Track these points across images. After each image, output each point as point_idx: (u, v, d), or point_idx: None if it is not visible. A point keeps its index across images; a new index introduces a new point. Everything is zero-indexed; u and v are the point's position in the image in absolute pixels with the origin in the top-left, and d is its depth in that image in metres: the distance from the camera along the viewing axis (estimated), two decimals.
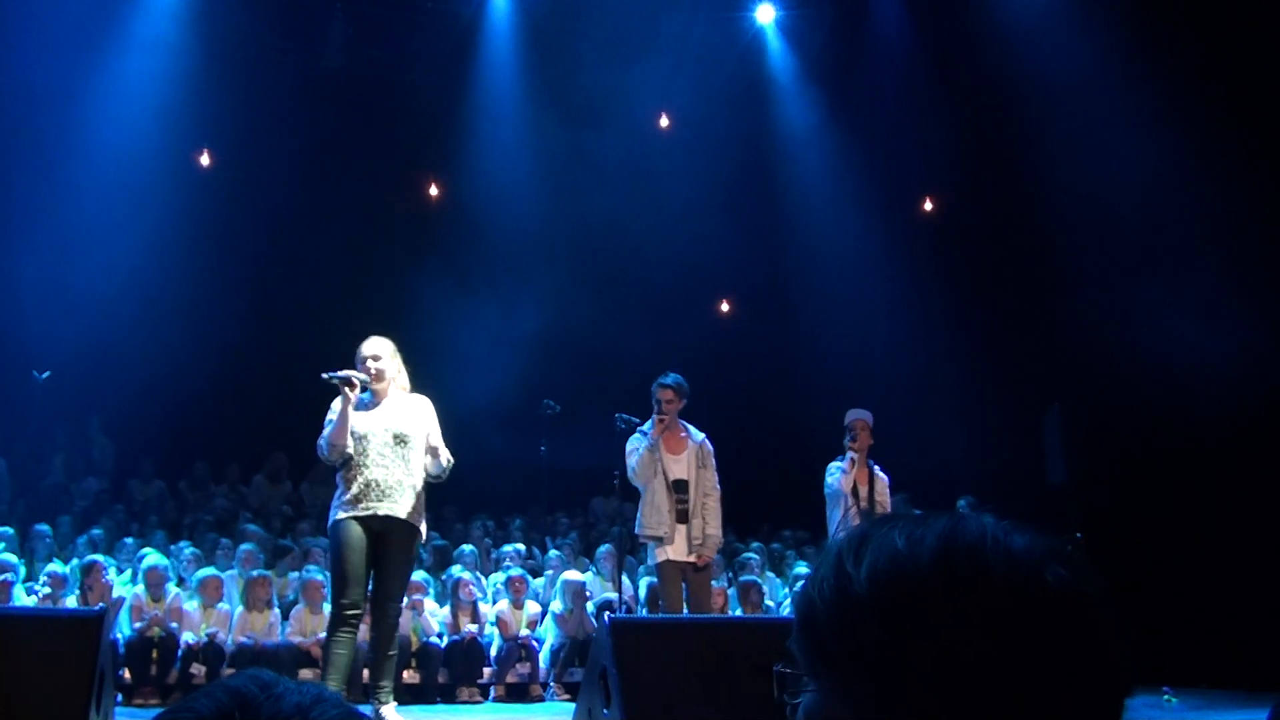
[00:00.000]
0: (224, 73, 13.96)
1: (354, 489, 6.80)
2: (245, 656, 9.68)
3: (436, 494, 7.98)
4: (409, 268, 14.76)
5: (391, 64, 14.87)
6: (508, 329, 14.10)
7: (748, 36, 15.49)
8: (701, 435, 8.62)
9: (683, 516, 8.31)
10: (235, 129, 14.44)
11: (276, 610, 10.22)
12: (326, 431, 6.89)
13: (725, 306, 17.52)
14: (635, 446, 8.47)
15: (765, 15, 15.26)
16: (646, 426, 8.52)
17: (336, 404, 6.97)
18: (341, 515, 6.79)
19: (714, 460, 8.56)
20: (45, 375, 12.04)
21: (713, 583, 9.34)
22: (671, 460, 8.41)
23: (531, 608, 10.87)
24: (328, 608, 10.05)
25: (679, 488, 8.35)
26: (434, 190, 16.45)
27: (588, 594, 10.85)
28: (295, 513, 13.49)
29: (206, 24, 13.90)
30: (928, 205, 16.05)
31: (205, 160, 15.01)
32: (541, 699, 10.32)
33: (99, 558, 9.97)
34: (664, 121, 15.83)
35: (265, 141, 14.30)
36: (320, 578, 10.12)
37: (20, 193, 13.47)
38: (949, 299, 15.10)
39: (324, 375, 6.93)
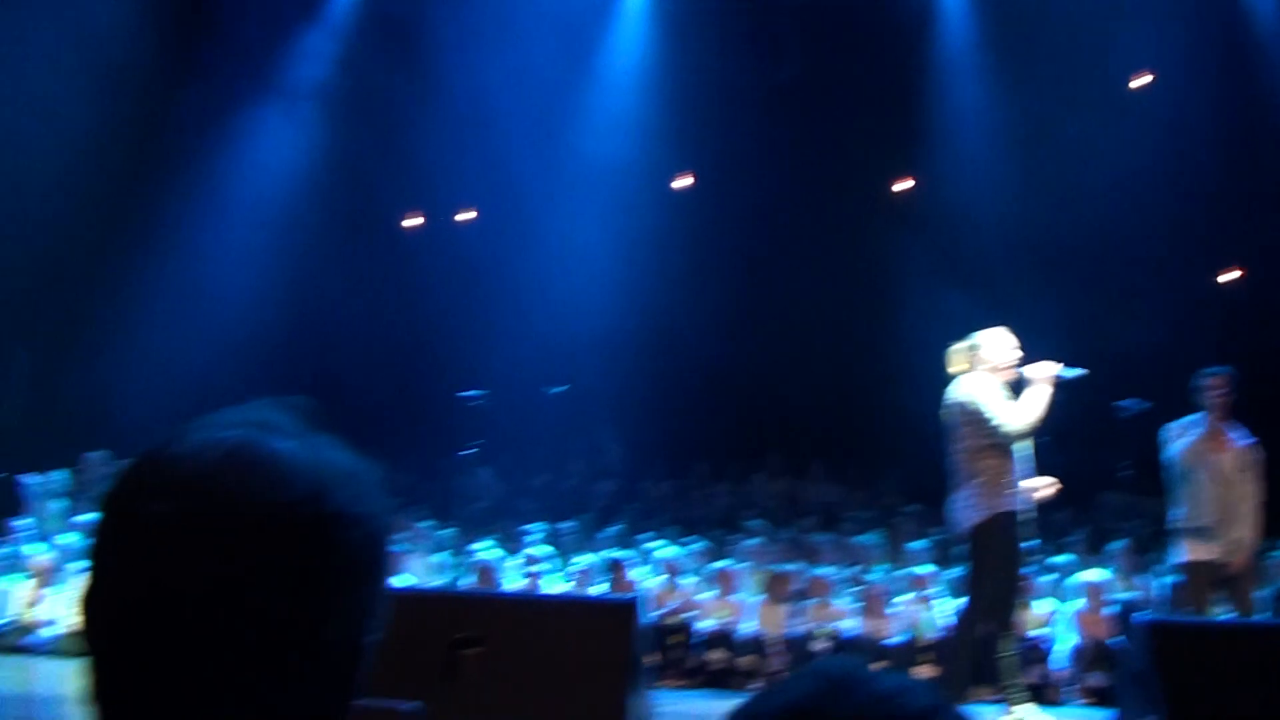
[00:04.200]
0: (689, 94, 14.48)
1: (1008, 477, 6.68)
2: (759, 646, 9.97)
3: None
4: (889, 270, 14.62)
5: (845, 66, 14.73)
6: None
7: None
8: (1251, 438, 7.97)
9: (1221, 516, 7.71)
10: (707, 149, 14.93)
11: (789, 604, 10.46)
12: (1030, 415, 6.75)
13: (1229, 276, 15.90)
14: (1178, 436, 7.96)
15: None
16: (1191, 419, 7.98)
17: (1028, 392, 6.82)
18: (1010, 508, 6.63)
19: (1260, 465, 7.90)
20: (560, 389, 12.93)
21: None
22: (1216, 456, 7.84)
23: (1041, 606, 10.42)
24: (836, 601, 10.23)
25: (1220, 484, 7.76)
26: (905, 186, 16.11)
27: (1104, 593, 10.26)
28: (792, 509, 13.77)
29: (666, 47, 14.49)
30: None
31: (685, 181, 15.64)
32: (1059, 702, 9.85)
33: (621, 552, 10.65)
34: (1140, 82, 14.60)
35: (735, 160, 14.69)
36: (822, 574, 10.35)
37: (526, 213, 14.64)
38: None
39: (1061, 373, 6.83)
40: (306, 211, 14.67)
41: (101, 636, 1.03)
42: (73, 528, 10.97)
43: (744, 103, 14.71)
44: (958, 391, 6.89)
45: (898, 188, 16.04)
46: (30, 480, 11.52)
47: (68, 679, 7.69)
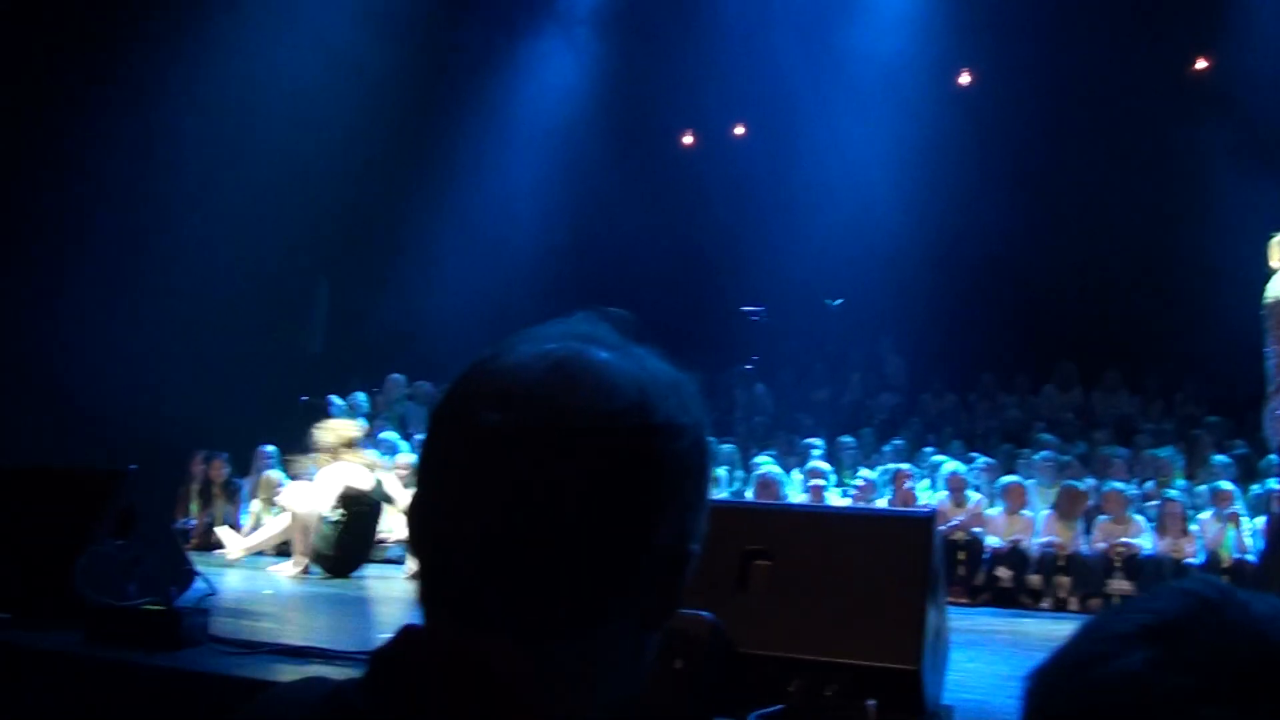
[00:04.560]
0: None
1: None
2: (1049, 564, 9.69)
3: None
4: (1190, 159, 13.68)
5: None
6: None
7: None
8: None
9: None
10: (988, 41, 14.29)
11: (1081, 519, 10.08)
12: None
13: None
14: None
15: None
16: None
17: None
18: None
19: None
20: (838, 302, 12.78)
21: None
22: None
23: None
24: (1136, 516, 9.80)
25: None
26: (1203, 66, 14.97)
27: None
28: (1084, 422, 13.21)
29: None
30: None
31: (965, 79, 15.05)
32: None
33: (903, 465, 10.50)
34: None
35: (1019, 51, 14.00)
36: (1116, 489, 9.93)
37: (800, 123, 14.45)
38: None
39: None
40: (587, 134, 14.96)
41: (432, 542, 1.06)
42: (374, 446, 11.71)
43: None
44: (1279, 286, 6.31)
45: (1196, 68, 14.94)
46: (335, 401, 12.30)
47: (371, 582, 8.21)
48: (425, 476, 1.08)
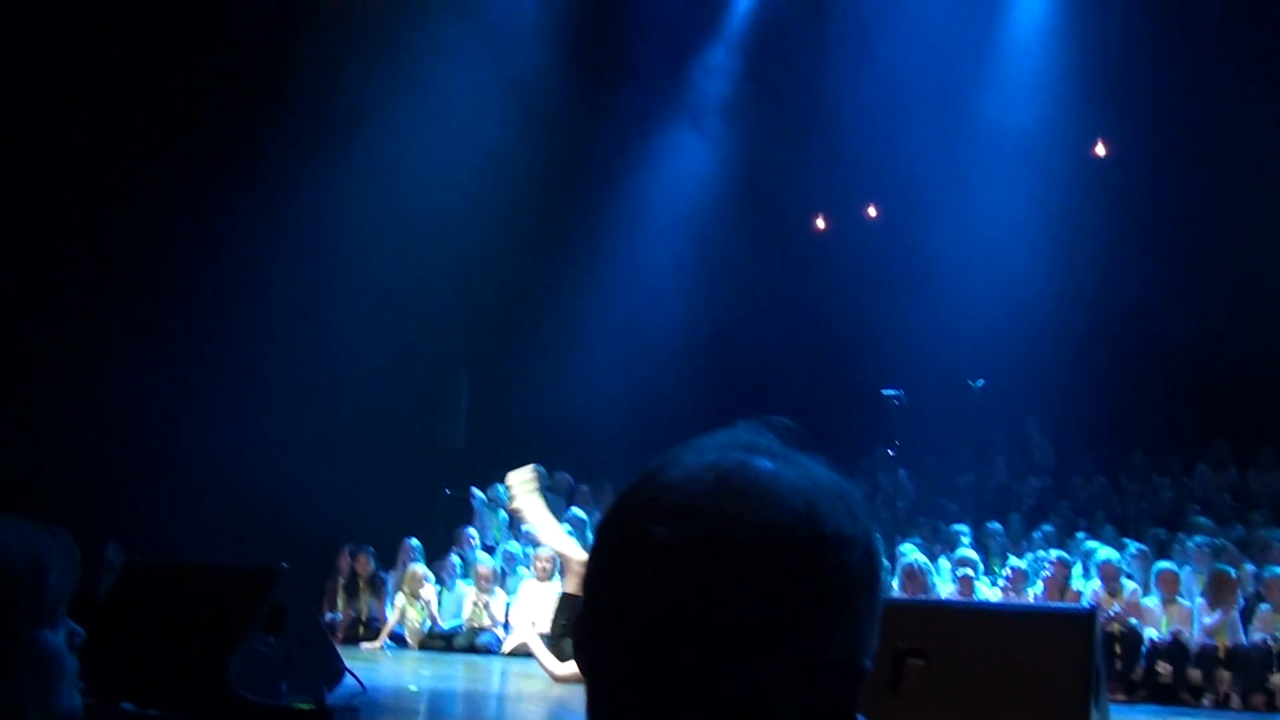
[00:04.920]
0: (1099, 51, 13.66)
1: None
2: (1210, 656, 9.23)
3: None
4: None
5: None
6: None
7: None
8: None
9: None
10: (1127, 107, 14.04)
11: (1237, 609, 9.59)
12: None
13: None
14: None
15: None
16: None
17: None
18: None
19: None
20: (980, 383, 12.52)
21: None
22: None
23: None
24: None
25: None
26: None
27: None
28: (1241, 503, 12.66)
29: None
30: None
31: (1101, 149, 14.79)
32: None
33: (1055, 553, 10.17)
34: None
35: (1158, 116, 13.73)
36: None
37: (932, 201, 14.34)
38: None
39: None
40: (721, 221, 15.08)
41: (602, 658, 1.05)
42: (513, 538, 11.81)
43: (1162, 53, 13.69)
44: None
45: None
46: (477, 494, 12.44)
47: (514, 678, 8.23)
48: (594, 590, 1.07)
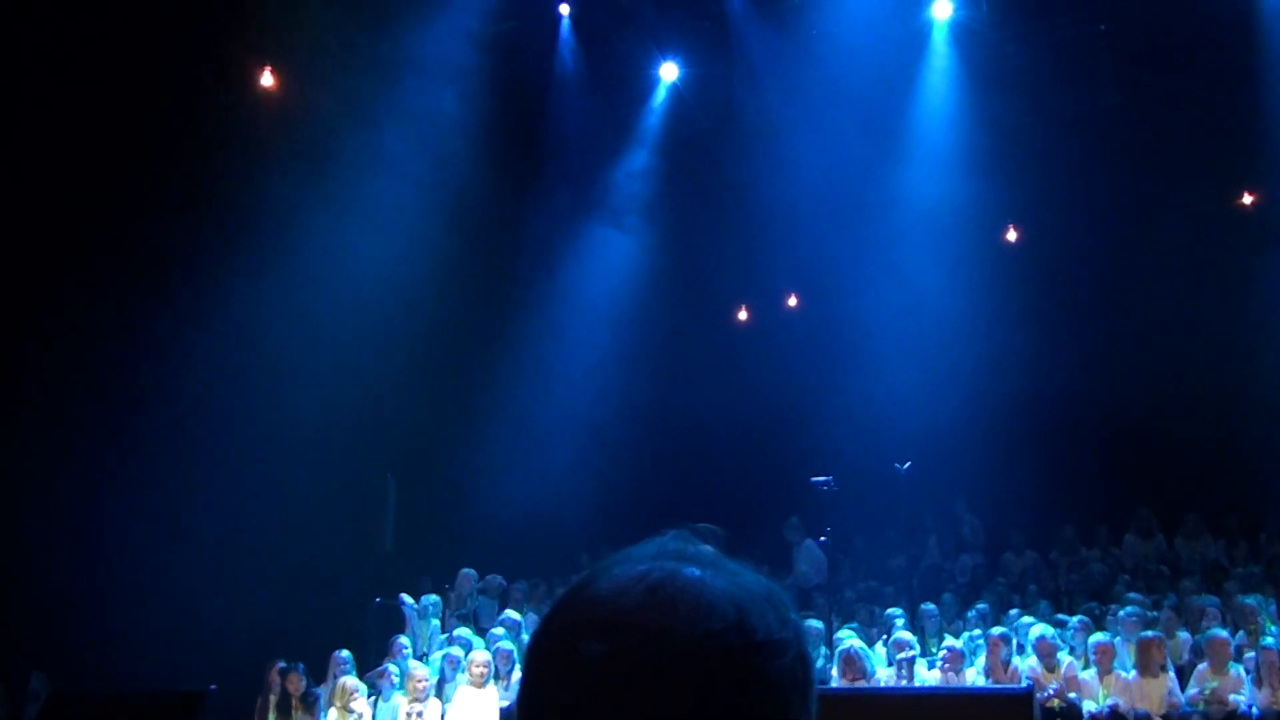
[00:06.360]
0: (1005, 143, 14.05)
1: None
2: None
3: None
4: (1253, 292, 13.57)
5: (1166, 84, 13.81)
6: None
7: None
8: None
9: None
10: (1035, 192, 14.43)
11: (1171, 674, 9.65)
12: None
13: None
14: None
15: None
16: None
17: None
18: None
19: None
20: (907, 466, 12.62)
21: None
22: None
23: None
24: (1235, 667, 9.39)
25: None
26: (1251, 200, 15.00)
27: None
28: (1171, 570, 12.81)
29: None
30: None
31: (1012, 236, 15.18)
32: None
33: (992, 631, 10.19)
34: None
35: (1066, 199, 14.15)
36: (1223, 634, 9.55)
37: (849, 290, 14.58)
38: None
39: None
40: (645, 316, 15.17)
41: None
42: (445, 645, 11.59)
43: (1065, 140, 14.13)
44: None
45: (1244, 201, 14.97)
46: (407, 601, 12.24)
47: None
48: (528, 708, 1.07)
